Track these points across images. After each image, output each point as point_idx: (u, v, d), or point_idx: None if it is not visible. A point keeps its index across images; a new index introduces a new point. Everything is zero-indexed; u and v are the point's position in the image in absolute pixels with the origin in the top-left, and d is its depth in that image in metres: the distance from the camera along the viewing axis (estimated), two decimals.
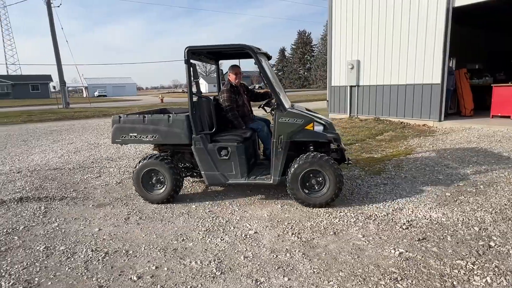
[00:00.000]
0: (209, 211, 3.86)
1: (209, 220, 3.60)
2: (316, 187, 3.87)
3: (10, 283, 2.53)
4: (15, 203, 4.31)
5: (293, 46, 72.76)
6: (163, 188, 4.18)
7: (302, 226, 3.36)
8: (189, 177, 4.90)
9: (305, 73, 72.49)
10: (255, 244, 3.02)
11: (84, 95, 71.20)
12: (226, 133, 4.25)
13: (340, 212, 3.68)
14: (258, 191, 4.49)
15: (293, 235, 3.16)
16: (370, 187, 4.45)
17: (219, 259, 2.80)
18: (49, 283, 2.54)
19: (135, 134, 4.26)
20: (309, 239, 3.08)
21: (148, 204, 4.14)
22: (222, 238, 3.16)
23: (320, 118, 4.02)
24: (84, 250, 3.03)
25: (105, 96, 62.94)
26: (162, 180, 4.19)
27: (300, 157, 3.84)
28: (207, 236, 3.23)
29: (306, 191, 3.87)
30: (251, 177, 4.11)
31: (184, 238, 3.19)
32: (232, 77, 4.77)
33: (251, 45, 4.00)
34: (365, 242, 2.99)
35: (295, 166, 3.80)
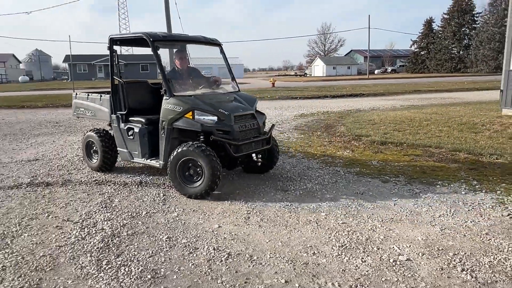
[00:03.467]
0: (342, 223, 3.78)
1: (343, 234, 3.52)
2: (195, 178, 4.49)
3: (139, 270, 2.96)
4: (136, 186, 5.06)
5: (445, 16, 65.69)
6: (97, 159, 5.65)
7: (476, 262, 2.97)
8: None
9: (461, 52, 64.71)
10: (409, 275, 2.81)
11: None
12: (139, 115, 5.15)
13: None
14: (406, 203, 4.19)
15: (464, 272, 2.82)
16: None
17: (362, 285, 2.70)
18: (174, 276, 2.88)
19: (83, 109, 5.93)
20: (489, 282, 2.70)
21: (269, 205, 4.31)
22: (363, 260, 3.05)
23: (217, 108, 4.49)
24: (206, 247, 3.33)
25: None
26: (97, 151, 5.62)
27: (180, 145, 4.50)
28: (343, 253, 3.16)
29: (183, 180, 4.52)
30: (150, 159, 5.00)
31: (315, 252, 3.20)
32: (176, 62, 5.41)
33: (149, 33, 4.86)
34: None
35: (174, 153, 4.47)
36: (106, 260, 3.11)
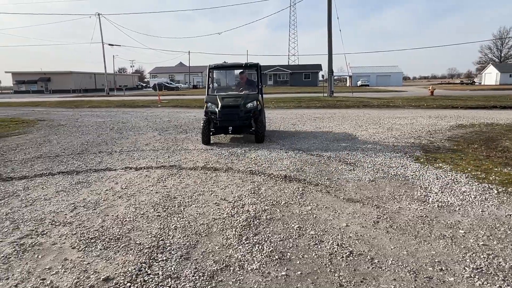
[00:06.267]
0: (483, 245, 3.20)
1: (482, 257, 2.98)
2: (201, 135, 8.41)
3: (270, 249, 3.18)
4: (281, 179, 5.37)
5: None
6: None
7: None
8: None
9: None
10: None
11: (347, 84, 78.39)
12: None
13: None
14: None
15: None
16: None
17: None
18: (298, 262, 2.98)
19: None
20: None
21: (402, 213, 3.98)
22: None
23: (217, 102, 8.13)
24: (331, 241, 3.32)
25: (368, 85, 66.28)
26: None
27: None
28: (476, 277, 2.69)
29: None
30: None
31: (443, 268, 2.82)
32: (240, 77, 9.41)
33: (210, 65, 8.98)
34: None
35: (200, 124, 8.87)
36: (246, 236, 3.44)
